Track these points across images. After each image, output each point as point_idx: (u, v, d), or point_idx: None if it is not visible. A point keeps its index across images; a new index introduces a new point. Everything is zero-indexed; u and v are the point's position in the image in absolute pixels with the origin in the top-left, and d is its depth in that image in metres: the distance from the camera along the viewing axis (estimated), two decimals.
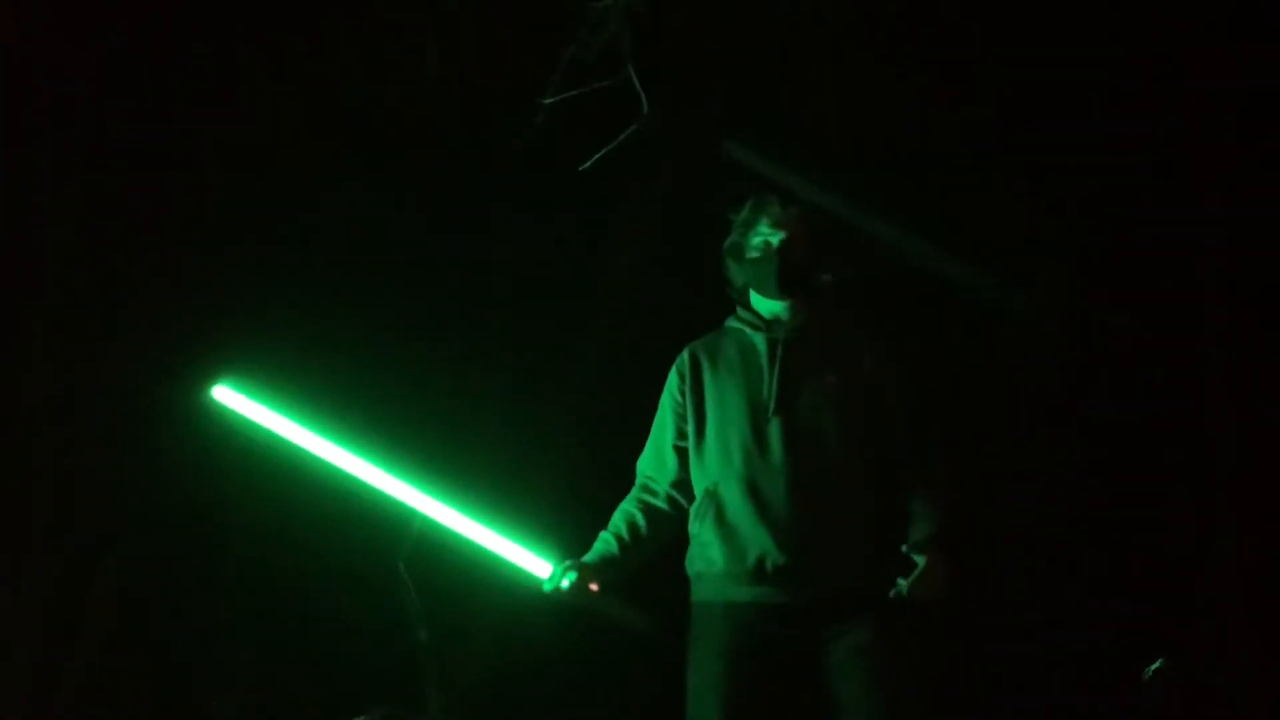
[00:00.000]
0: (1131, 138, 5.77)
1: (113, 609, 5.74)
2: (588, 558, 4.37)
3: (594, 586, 4.32)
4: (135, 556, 5.77)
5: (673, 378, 4.47)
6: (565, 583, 4.31)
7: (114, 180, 5.73)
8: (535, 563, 4.44)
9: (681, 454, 4.41)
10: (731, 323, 4.47)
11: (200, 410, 4.73)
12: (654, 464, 4.46)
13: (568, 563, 4.35)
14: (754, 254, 4.40)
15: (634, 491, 4.48)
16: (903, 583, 4.17)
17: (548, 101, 5.23)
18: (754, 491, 4.22)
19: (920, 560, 4.18)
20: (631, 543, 4.39)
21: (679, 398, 4.43)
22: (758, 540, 4.19)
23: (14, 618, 5.62)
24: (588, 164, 5.05)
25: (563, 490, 5.62)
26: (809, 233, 4.40)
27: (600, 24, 5.22)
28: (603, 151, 5.01)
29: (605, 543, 4.40)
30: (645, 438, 4.52)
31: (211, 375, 4.69)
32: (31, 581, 5.66)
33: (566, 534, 4.54)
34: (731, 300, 4.51)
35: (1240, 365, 5.60)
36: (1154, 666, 5.09)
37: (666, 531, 4.42)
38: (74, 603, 5.71)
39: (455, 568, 4.82)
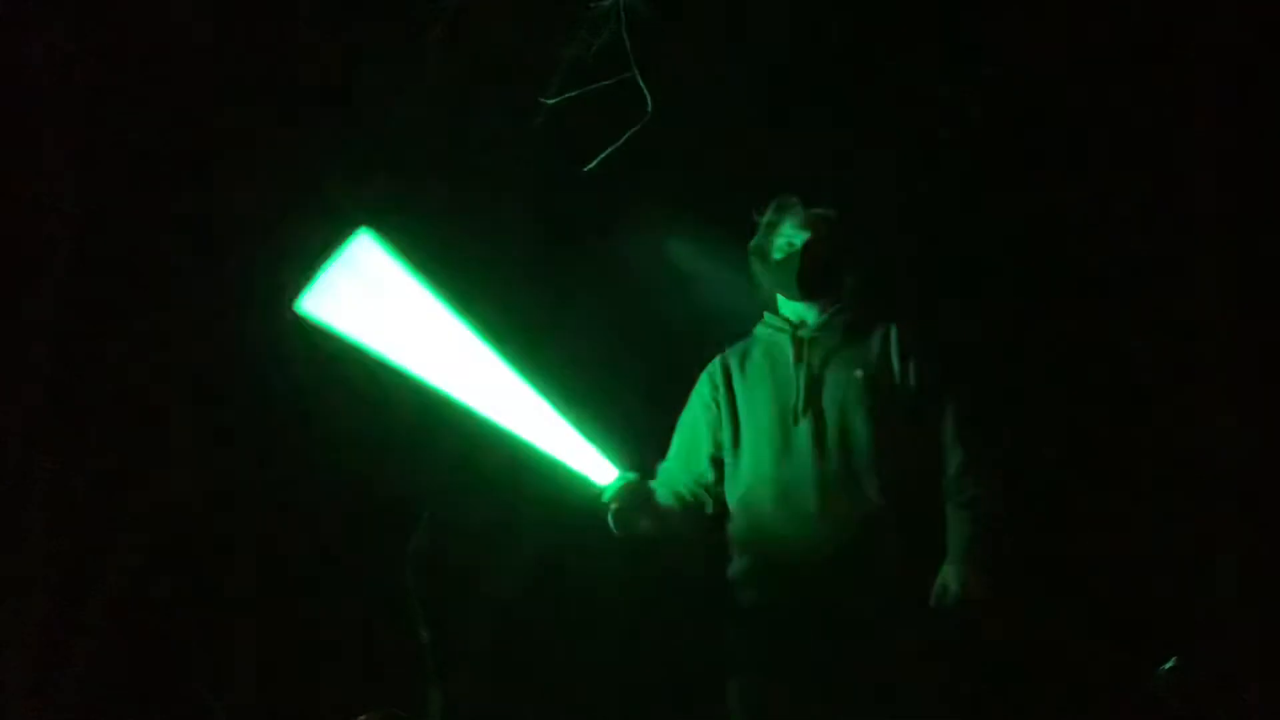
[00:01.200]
0: (1131, 137, 5.78)
1: (112, 609, 5.75)
2: (654, 485, 4.33)
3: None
4: (134, 557, 5.77)
5: (705, 385, 4.43)
6: (619, 500, 4.24)
7: (117, 182, 5.73)
8: (600, 468, 4.32)
9: (717, 464, 4.39)
10: (759, 328, 4.45)
11: None
12: (683, 470, 4.42)
13: (631, 478, 4.27)
14: (778, 255, 4.38)
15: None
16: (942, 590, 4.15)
17: (549, 102, 5.22)
18: (784, 495, 4.22)
19: (949, 571, 4.15)
20: (680, 509, 4.36)
21: (714, 407, 4.41)
22: (789, 544, 4.19)
23: (14, 617, 5.63)
24: (591, 165, 5.05)
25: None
26: (833, 234, 4.39)
27: (600, 24, 5.22)
28: (606, 152, 5.01)
29: (666, 496, 4.35)
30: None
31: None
32: (31, 581, 5.67)
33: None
34: (753, 300, 4.49)
35: (1240, 364, 5.61)
36: (1165, 668, 5.09)
37: (700, 523, 4.40)
38: (74, 603, 5.71)
39: (456, 568, 4.84)
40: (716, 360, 4.44)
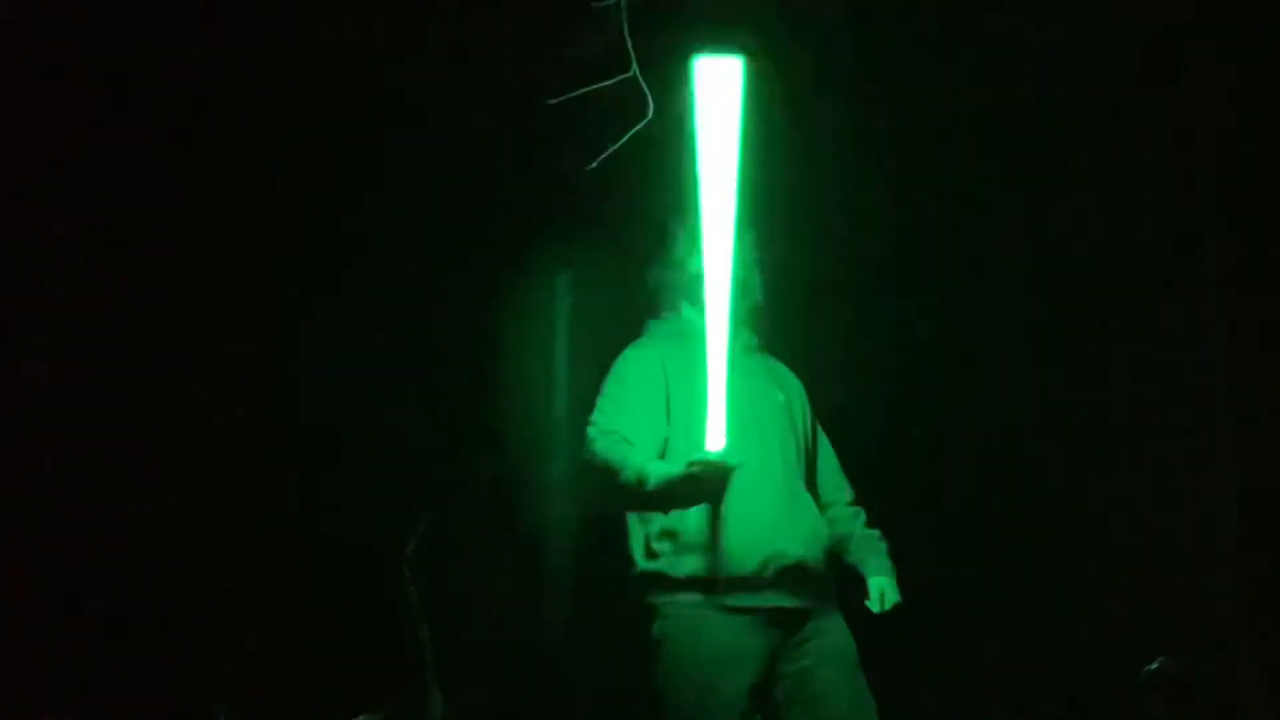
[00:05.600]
0: (1131, 138, 5.81)
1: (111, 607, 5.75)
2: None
3: None
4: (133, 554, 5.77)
5: (652, 362, 4.42)
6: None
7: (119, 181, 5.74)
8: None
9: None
10: (679, 325, 4.47)
11: None
12: (651, 443, 4.38)
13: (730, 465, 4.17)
14: (696, 269, 4.35)
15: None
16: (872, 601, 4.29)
17: (550, 102, 5.23)
18: (745, 496, 4.23)
19: (883, 582, 4.28)
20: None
21: (660, 384, 4.40)
22: (721, 546, 4.19)
23: (14, 614, 5.62)
24: (592, 164, 5.05)
25: None
26: (750, 250, 4.42)
27: (600, 24, 5.23)
28: (607, 152, 5.01)
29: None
30: None
31: None
32: (31, 579, 5.67)
33: None
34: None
35: (1240, 363, 5.63)
36: (1150, 668, 5.12)
37: None
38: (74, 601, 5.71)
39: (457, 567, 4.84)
40: (656, 346, 4.44)
